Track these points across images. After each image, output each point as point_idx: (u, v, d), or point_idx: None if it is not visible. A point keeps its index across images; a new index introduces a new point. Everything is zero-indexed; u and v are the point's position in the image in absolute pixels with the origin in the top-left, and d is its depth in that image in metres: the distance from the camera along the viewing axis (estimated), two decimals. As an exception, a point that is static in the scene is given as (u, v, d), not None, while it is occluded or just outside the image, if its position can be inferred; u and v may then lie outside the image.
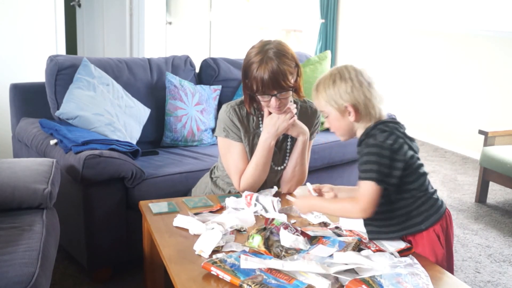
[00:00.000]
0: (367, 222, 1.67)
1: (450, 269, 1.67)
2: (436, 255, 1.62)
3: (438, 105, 5.11)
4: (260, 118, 2.01)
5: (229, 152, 2.01)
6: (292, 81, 1.87)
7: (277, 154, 2.03)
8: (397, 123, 1.64)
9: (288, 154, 2.06)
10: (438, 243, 1.63)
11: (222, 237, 1.61)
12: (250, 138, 1.99)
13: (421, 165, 1.64)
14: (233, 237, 1.66)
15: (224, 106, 2.01)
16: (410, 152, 1.59)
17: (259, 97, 1.88)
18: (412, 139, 1.65)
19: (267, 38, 1.93)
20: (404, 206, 1.62)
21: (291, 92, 1.90)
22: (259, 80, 1.81)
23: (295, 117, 1.97)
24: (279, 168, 2.06)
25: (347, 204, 1.62)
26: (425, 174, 1.65)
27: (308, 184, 1.85)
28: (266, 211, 1.87)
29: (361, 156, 1.58)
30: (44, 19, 3.54)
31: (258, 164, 1.96)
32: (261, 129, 1.99)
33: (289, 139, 2.05)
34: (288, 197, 1.84)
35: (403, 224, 1.64)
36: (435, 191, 1.68)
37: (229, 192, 2.10)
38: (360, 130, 1.64)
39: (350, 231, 1.72)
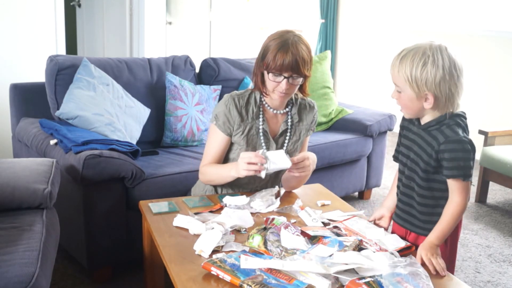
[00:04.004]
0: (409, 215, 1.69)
1: (451, 267, 1.66)
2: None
3: (438, 105, 5.11)
4: (261, 109, 2.01)
5: (210, 138, 2.04)
6: (306, 72, 1.89)
7: (273, 146, 2.03)
8: (466, 120, 1.60)
9: (284, 149, 2.05)
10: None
11: (222, 237, 1.61)
12: (247, 128, 2.00)
13: None
14: (233, 237, 1.66)
15: (225, 96, 2.02)
16: None
17: (271, 76, 1.87)
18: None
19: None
20: (442, 205, 1.60)
21: (300, 81, 1.91)
22: (280, 59, 1.82)
23: (260, 173, 1.83)
24: None
25: (451, 210, 1.57)
26: None
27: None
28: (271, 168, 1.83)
29: (439, 151, 1.54)
30: (44, 19, 3.54)
31: (218, 177, 1.99)
32: (260, 120, 1.99)
33: (287, 136, 2.05)
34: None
35: (431, 224, 1.61)
36: None
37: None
38: (429, 115, 1.57)
39: (350, 231, 1.72)
